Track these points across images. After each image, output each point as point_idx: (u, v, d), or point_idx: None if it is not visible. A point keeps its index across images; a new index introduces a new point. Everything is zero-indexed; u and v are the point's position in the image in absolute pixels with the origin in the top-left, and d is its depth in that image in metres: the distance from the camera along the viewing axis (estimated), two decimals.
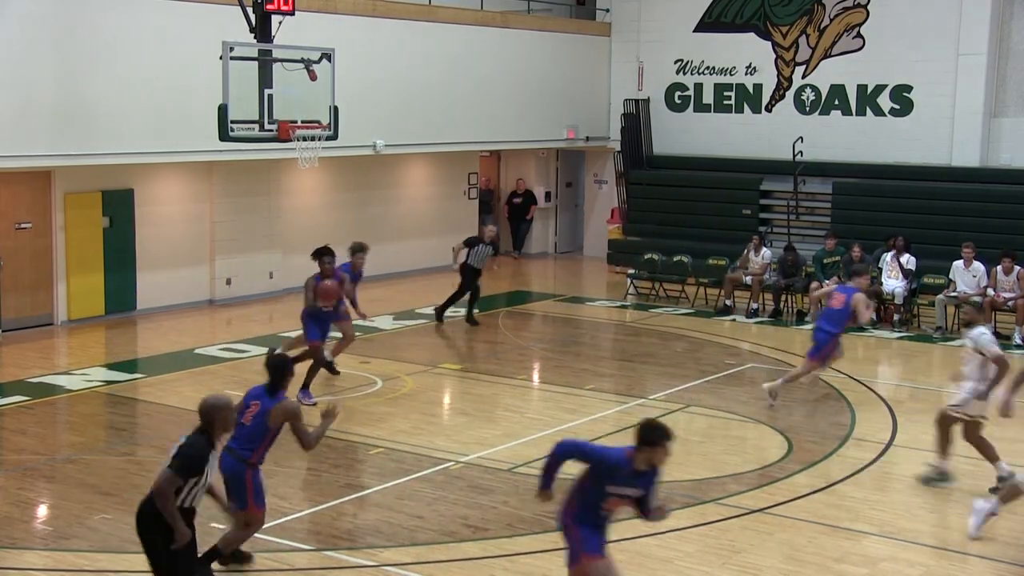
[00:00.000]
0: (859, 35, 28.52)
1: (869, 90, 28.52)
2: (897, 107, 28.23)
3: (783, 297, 24.59)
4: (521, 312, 24.82)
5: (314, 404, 15.71)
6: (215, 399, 9.12)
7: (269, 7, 18.22)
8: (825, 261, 23.87)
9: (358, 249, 18.32)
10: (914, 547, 11.83)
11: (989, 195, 25.90)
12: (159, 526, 8.63)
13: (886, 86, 28.30)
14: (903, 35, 27.78)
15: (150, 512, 8.69)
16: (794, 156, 28.14)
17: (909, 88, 28.03)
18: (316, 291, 16.63)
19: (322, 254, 16.78)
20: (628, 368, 20.31)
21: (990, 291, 22.43)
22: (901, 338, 22.69)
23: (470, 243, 22.78)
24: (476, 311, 23.03)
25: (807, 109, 29.28)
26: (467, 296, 22.76)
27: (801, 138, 28.28)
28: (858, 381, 18.63)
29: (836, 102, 28.97)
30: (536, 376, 19.77)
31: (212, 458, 8.82)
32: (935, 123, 27.58)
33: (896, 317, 23.41)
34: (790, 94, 29.56)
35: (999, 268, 22.42)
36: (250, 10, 18.28)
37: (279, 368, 10.61)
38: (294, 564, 10.87)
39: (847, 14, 28.53)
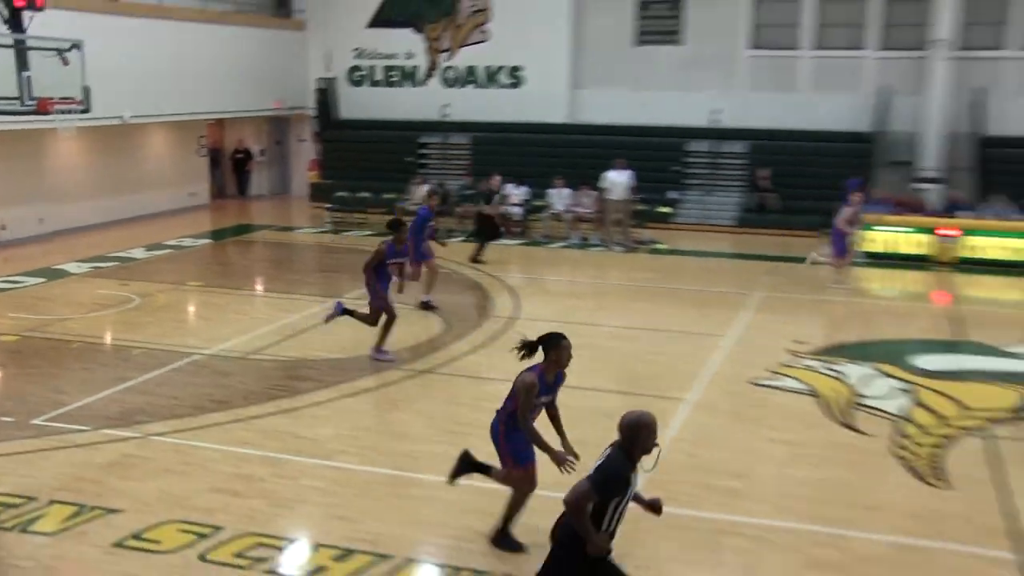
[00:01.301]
0: (485, 31, 29.22)
1: (493, 70, 29.28)
2: (513, 82, 29.10)
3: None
4: (246, 240, 24.49)
5: (392, 361, 13.63)
6: (641, 416, 6.36)
7: (18, 3, 17.65)
8: (466, 192, 24.50)
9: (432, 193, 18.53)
10: None
11: (574, 143, 27.09)
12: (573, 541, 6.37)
13: (504, 67, 29.14)
14: (515, 31, 28.64)
15: (567, 525, 6.45)
16: (442, 118, 28.85)
17: (521, 68, 28.95)
18: (382, 255, 13.47)
19: (396, 227, 13.85)
20: (329, 276, 20.47)
21: (576, 209, 23.73)
22: (521, 244, 23.53)
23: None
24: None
25: (451, 84, 29.76)
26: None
27: (448, 104, 28.92)
28: (493, 276, 19.33)
29: (471, 78, 29.57)
30: (259, 287, 19.64)
31: (634, 479, 6.33)
32: (539, 93, 28.61)
33: (517, 230, 24.22)
34: (438, 73, 29.97)
35: (581, 192, 23.73)
36: (2, 5, 17.60)
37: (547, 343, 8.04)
38: (76, 442, 10.57)
39: (476, 16, 29.22)
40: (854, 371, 13.49)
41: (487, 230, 21.46)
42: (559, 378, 8.10)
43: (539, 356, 7.98)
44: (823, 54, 26.87)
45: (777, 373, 13.40)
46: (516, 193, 24.26)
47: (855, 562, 8.36)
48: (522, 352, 8.04)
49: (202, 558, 8.04)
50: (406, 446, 10.65)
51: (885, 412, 12.00)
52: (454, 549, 8.33)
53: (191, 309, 17.39)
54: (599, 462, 6.37)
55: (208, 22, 26.90)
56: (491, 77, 29.32)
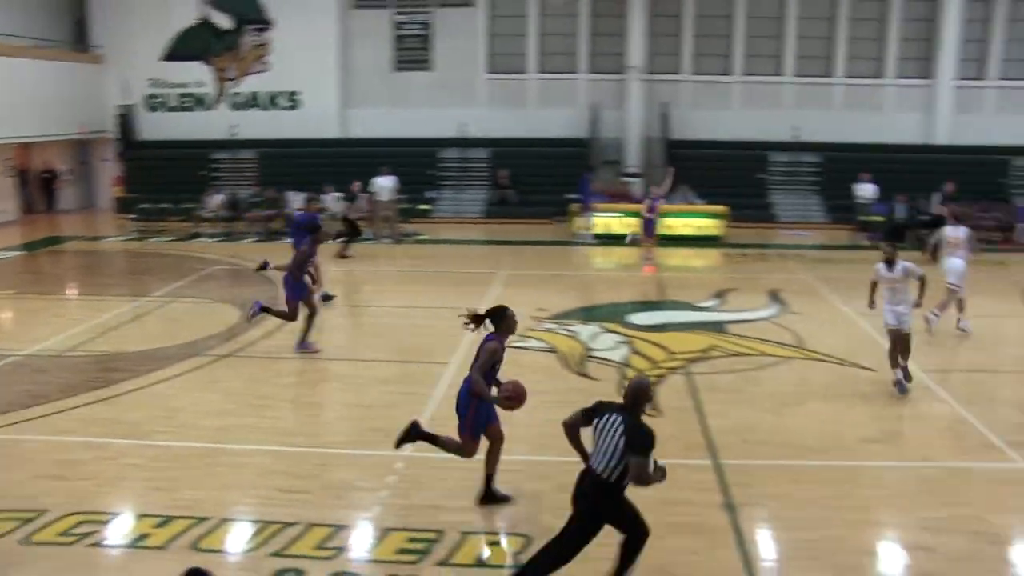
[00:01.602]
0: (265, 61, 28.18)
1: (274, 94, 28.28)
2: (291, 104, 28.23)
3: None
4: (57, 251, 22.68)
5: (317, 352, 12.66)
6: (640, 382, 6.43)
7: None
8: (255, 200, 23.65)
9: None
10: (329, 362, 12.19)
11: (347, 155, 26.33)
12: (615, 498, 6.29)
13: (283, 91, 28.21)
14: (291, 61, 27.75)
15: (607, 487, 6.22)
16: (231, 136, 27.69)
17: (298, 92, 28.10)
18: (305, 255, 12.79)
19: (316, 228, 13.18)
20: (136, 278, 19.16)
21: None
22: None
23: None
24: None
25: (238, 107, 28.52)
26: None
27: (236, 125, 27.74)
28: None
29: (255, 102, 28.45)
30: (72, 291, 18.25)
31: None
32: (314, 113, 27.87)
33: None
34: (226, 98, 28.66)
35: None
36: None
37: (490, 316, 7.86)
38: None
39: (256, 49, 28.15)
40: (584, 330, 13.83)
41: (352, 231, 20.80)
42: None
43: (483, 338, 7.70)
44: (546, 77, 27.54)
45: (524, 336, 13.55)
46: (327, 199, 23.43)
47: None
48: (471, 324, 7.81)
49: (26, 541, 7.36)
50: (215, 421, 10.11)
51: (611, 361, 12.36)
52: (263, 506, 8.00)
53: (6, 315, 15.99)
54: (618, 432, 6.13)
55: (10, 56, 24.70)
56: (272, 100, 28.32)
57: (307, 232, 13.71)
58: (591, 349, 12.91)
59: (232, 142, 27.89)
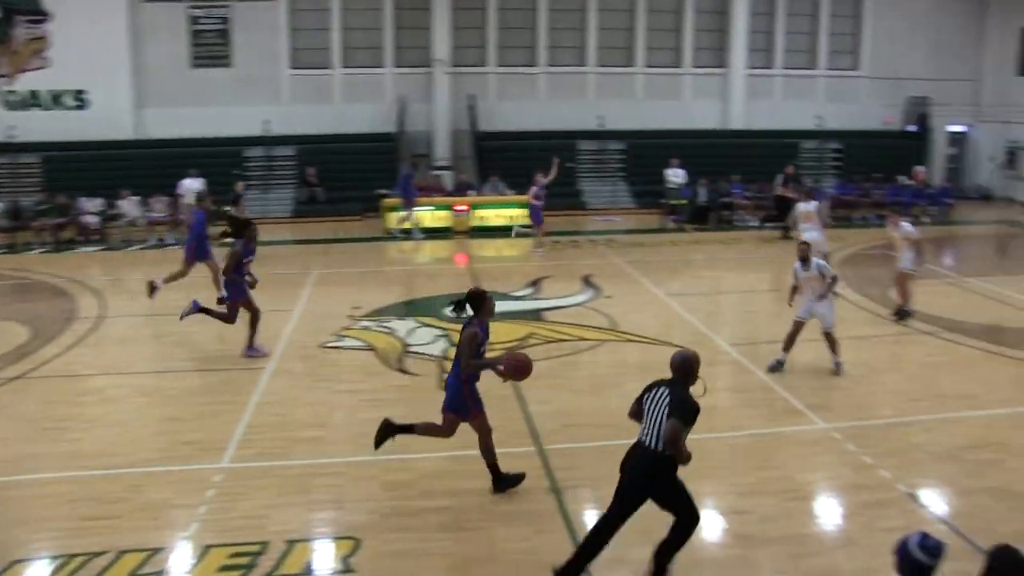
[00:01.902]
0: (44, 57, 26.34)
1: (57, 93, 26.46)
2: (78, 104, 26.51)
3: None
4: None
5: (265, 355, 12.32)
6: (686, 354, 6.56)
7: None
8: (41, 207, 22.12)
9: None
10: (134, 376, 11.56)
11: (144, 157, 25.00)
12: (664, 472, 6.33)
13: (68, 90, 26.46)
14: (76, 57, 26.00)
15: (655, 458, 6.28)
16: (8, 139, 25.81)
17: (85, 91, 26.46)
18: (239, 256, 12.23)
19: (246, 227, 12.57)
20: None
21: (150, 215, 22.16)
22: (100, 250, 21.55)
23: None
24: None
25: (14, 107, 26.37)
26: None
27: (14, 127, 25.85)
28: (76, 281, 17.56)
29: (35, 101, 26.48)
30: None
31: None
32: (104, 113, 26.27)
33: (95, 237, 22.25)
34: (0, 97, 26.63)
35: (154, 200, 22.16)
36: None
37: (471, 301, 7.98)
38: None
39: (33, 43, 26.20)
40: (401, 326, 13.75)
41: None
42: (486, 328, 7.94)
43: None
44: (351, 72, 27.16)
45: (340, 335, 13.36)
46: (123, 204, 22.26)
47: (422, 478, 8.54)
48: (456, 309, 8.02)
49: None
50: (4, 452, 9.36)
51: (430, 355, 12.34)
52: (65, 539, 7.48)
53: None
54: (664, 403, 6.25)
55: None
56: (56, 100, 26.45)
57: (197, 233, 14.29)
58: (409, 345, 12.85)
59: (10, 145, 25.90)
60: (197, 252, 15.09)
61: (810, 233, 15.88)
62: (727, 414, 10.17)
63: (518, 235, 21.93)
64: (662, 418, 6.29)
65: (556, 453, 9.09)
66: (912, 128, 28.86)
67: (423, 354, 12.40)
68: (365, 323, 14.00)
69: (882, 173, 25.64)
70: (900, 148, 27.89)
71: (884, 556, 5.07)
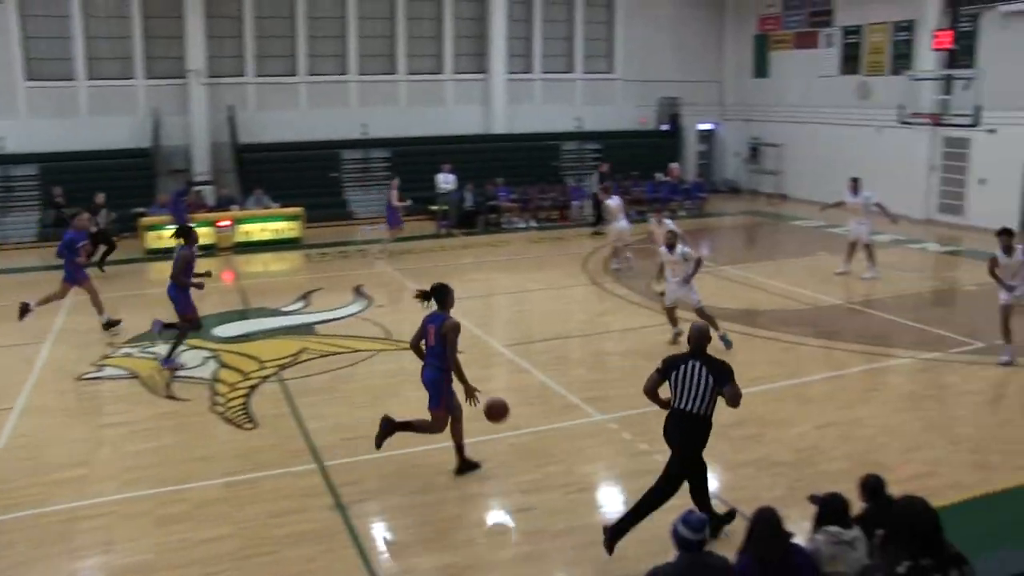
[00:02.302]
0: None
1: None
2: None
3: None
4: None
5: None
6: (700, 324, 7.44)
7: None
8: None
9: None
10: None
11: None
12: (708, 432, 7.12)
13: None
14: None
15: (702, 420, 7.04)
16: None
17: None
18: (188, 260, 12.28)
19: (187, 233, 12.50)
20: None
21: None
22: None
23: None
24: None
25: None
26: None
27: None
28: None
29: None
30: None
31: None
32: None
33: None
34: None
35: None
36: None
37: (438, 294, 8.53)
38: None
39: None
40: (166, 350, 13.08)
41: (106, 242, 19.38)
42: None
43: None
44: (98, 83, 25.47)
45: (100, 365, 12.56)
46: None
47: (198, 508, 8.19)
48: (422, 300, 8.58)
49: None
50: None
51: (200, 378, 11.84)
52: None
53: None
54: (702, 373, 6.96)
55: None
56: None
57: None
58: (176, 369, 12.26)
59: None
60: (71, 273, 14.37)
61: (620, 223, 18.35)
62: None
63: (378, 249, 21.65)
64: (705, 386, 6.99)
65: (337, 469, 8.96)
66: (665, 127, 30.59)
67: (192, 378, 11.87)
68: (127, 350, 13.24)
69: (639, 171, 26.98)
70: (655, 147, 29.49)
71: (665, 538, 5.34)
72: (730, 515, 7.60)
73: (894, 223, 18.33)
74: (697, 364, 7.07)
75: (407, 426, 8.73)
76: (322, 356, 12.71)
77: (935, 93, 20.91)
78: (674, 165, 27.92)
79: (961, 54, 22.53)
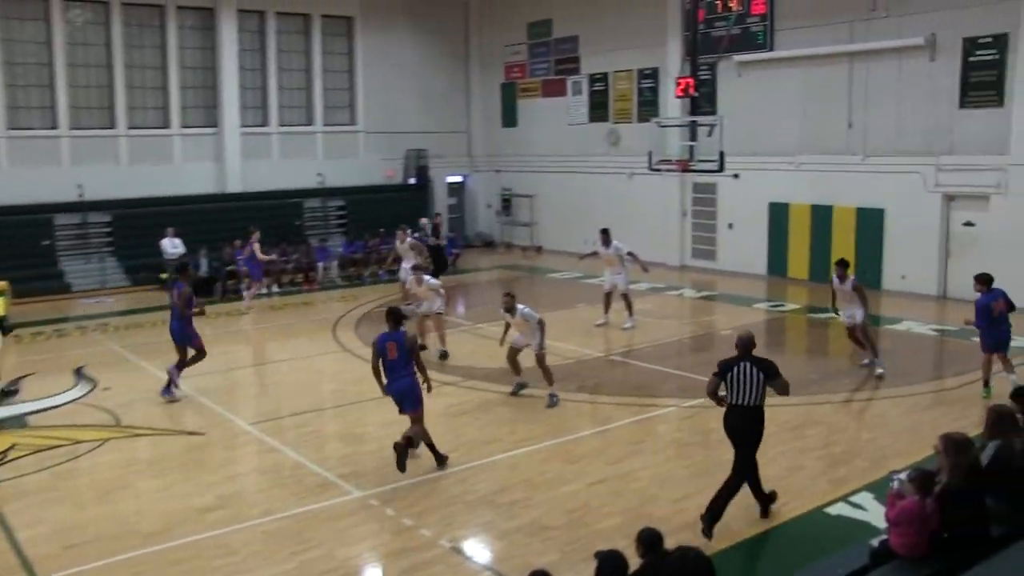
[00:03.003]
0: None
1: None
2: None
3: None
4: None
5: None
6: (746, 334, 9.08)
7: None
8: None
9: None
10: None
11: None
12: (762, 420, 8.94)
13: None
14: None
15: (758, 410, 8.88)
16: None
17: None
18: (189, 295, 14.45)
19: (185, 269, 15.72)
20: None
21: None
22: None
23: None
24: None
25: None
26: None
27: None
28: None
29: None
30: None
31: None
32: None
33: None
34: None
35: None
36: None
37: (397, 315, 10.70)
38: None
39: None
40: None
41: None
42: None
43: None
44: None
45: None
46: None
47: None
48: (392, 321, 10.55)
49: None
50: None
51: None
52: None
53: None
54: (754, 371, 8.76)
55: None
56: None
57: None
58: None
59: None
60: None
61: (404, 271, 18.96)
62: (257, 498, 10.00)
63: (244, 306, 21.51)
64: (757, 382, 8.78)
65: None
66: (413, 181, 31.02)
67: None
68: None
69: (386, 228, 26.96)
70: (403, 201, 29.81)
71: None
72: (772, 495, 9.36)
73: (646, 271, 19.42)
74: (748, 364, 8.85)
75: (411, 443, 10.45)
76: (36, 452, 11.75)
77: (682, 139, 22.45)
78: (425, 221, 28.24)
79: (704, 101, 24.42)
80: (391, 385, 10.47)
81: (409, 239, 20.36)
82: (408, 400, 10.50)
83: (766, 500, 9.21)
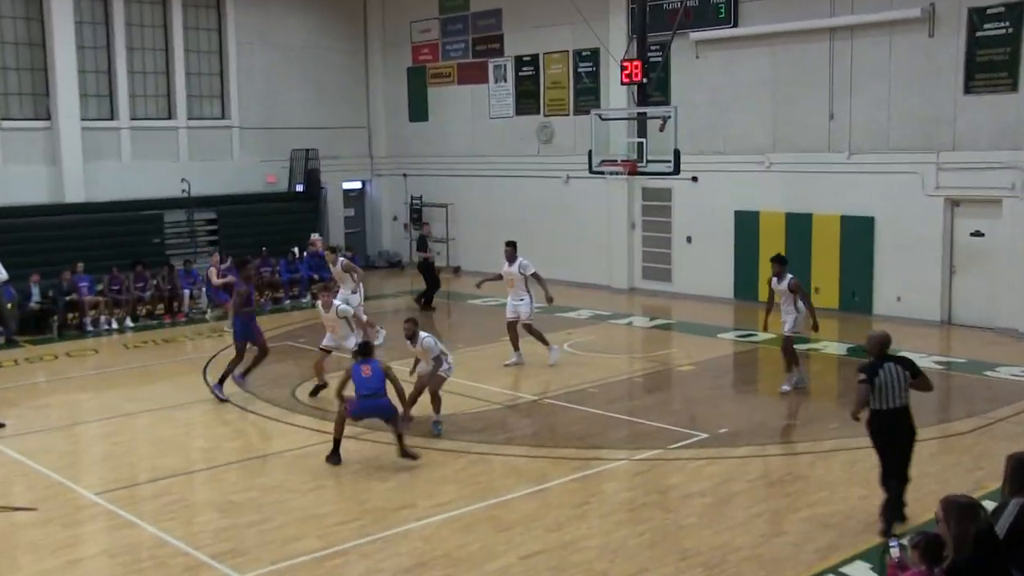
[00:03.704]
0: None
1: None
2: None
3: None
4: None
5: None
6: (879, 334, 10.82)
7: None
8: None
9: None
10: None
11: None
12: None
13: None
14: None
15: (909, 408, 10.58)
16: None
17: None
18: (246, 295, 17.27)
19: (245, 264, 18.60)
20: None
21: None
22: None
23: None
24: None
25: None
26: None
27: None
28: None
29: None
30: None
31: None
32: None
33: None
34: None
35: None
36: None
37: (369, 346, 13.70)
38: None
39: None
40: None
41: None
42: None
43: None
44: None
45: None
46: None
47: None
48: (361, 350, 13.40)
49: None
50: None
51: None
52: None
53: None
54: (899, 371, 10.39)
55: None
56: None
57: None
58: None
59: None
60: None
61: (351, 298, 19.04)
62: None
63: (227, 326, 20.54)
64: (903, 381, 10.41)
65: None
66: (300, 188, 30.77)
67: None
68: None
69: (268, 246, 26.69)
70: (289, 212, 29.65)
71: None
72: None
73: (550, 302, 18.79)
74: (892, 365, 10.40)
75: (407, 454, 13.07)
76: None
77: (628, 135, 22.64)
78: (316, 236, 28.11)
79: (655, 89, 24.60)
80: (368, 406, 12.96)
81: (341, 259, 20.20)
82: (385, 412, 13.02)
83: (900, 513, 10.58)
